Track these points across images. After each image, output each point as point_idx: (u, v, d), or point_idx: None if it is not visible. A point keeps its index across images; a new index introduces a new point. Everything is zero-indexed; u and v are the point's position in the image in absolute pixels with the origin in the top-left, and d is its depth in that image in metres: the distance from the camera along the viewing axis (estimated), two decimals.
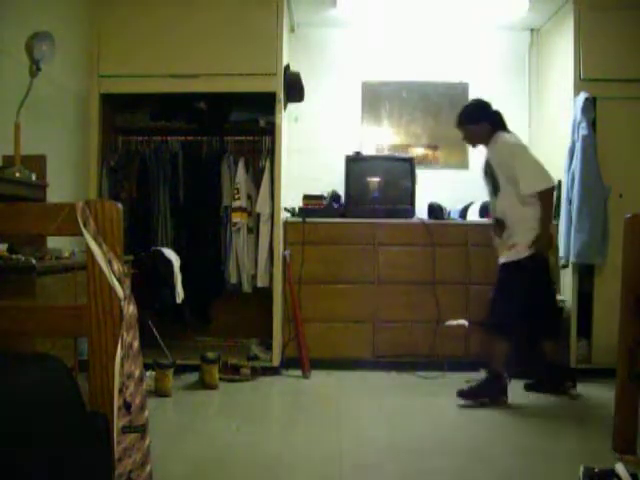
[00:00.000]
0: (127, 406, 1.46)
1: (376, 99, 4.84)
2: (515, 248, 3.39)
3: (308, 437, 2.90)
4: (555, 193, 3.60)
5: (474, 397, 3.38)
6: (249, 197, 4.28)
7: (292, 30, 4.67)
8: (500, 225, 3.51)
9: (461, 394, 3.39)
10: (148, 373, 3.50)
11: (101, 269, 1.47)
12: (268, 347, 4.13)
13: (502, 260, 3.47)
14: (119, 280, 1.48)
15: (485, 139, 3.53)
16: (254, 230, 4.28)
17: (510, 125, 4.70)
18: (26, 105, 3.06)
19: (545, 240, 3.40)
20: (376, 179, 4.40)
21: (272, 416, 3.42)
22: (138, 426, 1.48)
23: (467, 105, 3.69)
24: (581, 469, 2.25)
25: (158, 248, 4.01)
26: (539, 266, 3.42)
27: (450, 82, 4.81)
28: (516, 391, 3.61)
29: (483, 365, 3.64)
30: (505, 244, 3.47)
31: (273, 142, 4.14)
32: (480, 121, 3.51)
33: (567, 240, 3.91)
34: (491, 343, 3.47)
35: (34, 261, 2.56)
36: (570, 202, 3.90)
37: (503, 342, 3.41)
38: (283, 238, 4.14)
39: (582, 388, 3.70)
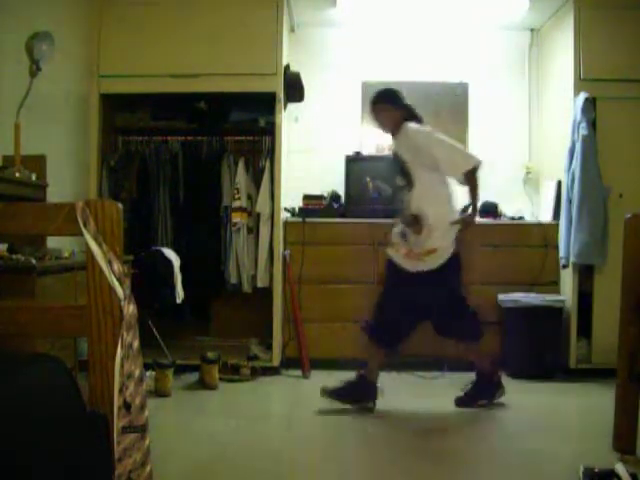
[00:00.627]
0: (127, 406, 1.46)
1: None
2: (436, 253, 3.13)
3: (308, 437, 2.90)
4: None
5: (473, 402, 3.31)
6: (249, 197, 4.27)
7: (292, 30, 4.67)
8: (418, 222, 3.16)
9: (459, 402, 3.33)
10: (148, 373, 3.50)
11: (101, 269, 1.47)
12: (268, 347, 4.13)
13: (422, 268, 3.15)
14: (119, 280, 1.47)
15: (397, 127, 3.30)
16: (254, 230, 4.27)
17: (510, 125, 4.78)
18: (26, 105, 3.06)
19: (474, 219, 3.25)
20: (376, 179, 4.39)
21: (272, 416, 3.42)
22: (138, 426, 1.47)
23: (386, 88, 3.42)
24: (581, 469, 2.26)
25: (158, 248, 4.01)
26: (457, 266, 3.24)
27: (450, 82, 4.80)
28: (517, 391, 3.62)
29: (472, 368, 3.49)
30: (420, 245, 3.15)
31: (273, 142, 4.14)
32: (400, 106, 3.32)
33: (567, 240, 3.91)
34: (468, 345, 3.35)
35: (34, 261, 2.56)
36: (570, 202, 3.90)
37: (476, 343, 3.31)
38: (283, 238, 4.14)
39: (582, 388, 3.71)
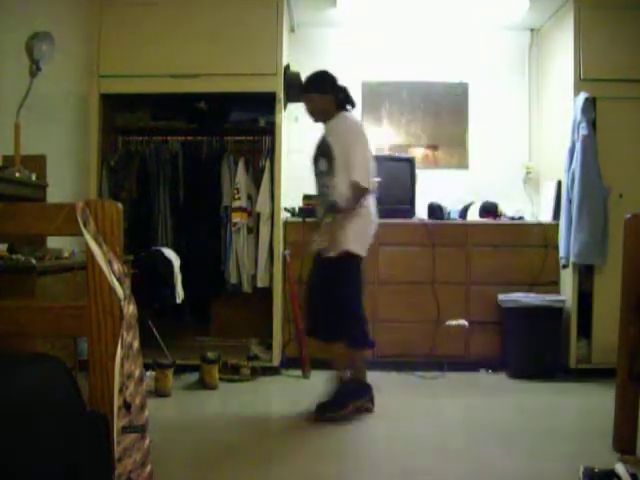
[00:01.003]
0: (127, 406, 1.46)
1: (376, 99, 4.84)
2: (340, 237, 3.09)
3: (308, 436, 2.90)
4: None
5: (340, 408, 3.13)
6: (249, 197, 4.28)
7: (292, 30, 4.67)
8: (337, 210, 3.12)
9: (317, 412, 3.12)
10: (148, 373, 3.50)
11: (101, 269, 1.47)
12: (268, 347, 4.13)
13: (332, 253, 3.09)
14: (119, 280, 1.47)
15: (328, 114, 3.25)
16: (254, 230, 4.28)
17: (510, 125, 4.78)
18: (26, 105, 3.06)
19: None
20: (376, 179, 4.38)
21: (272, 416, 3.42)
22: (138, 426, 1.48)
23: (313, 74, 3.34)
24: (581, 469, 2.26)
25: (158, 248, 4.01)
26: (357, 268, 3.19)
27: (450, 82, 4.81)
28: (517, 391, 3.62)
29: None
30: (335, 231, 3.10)
31: (273, 142, 4.14)
32: (327, 92, 3.24)
33: (567, 240, 3.91)
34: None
35: (34, 261, 2.56)
36: (570, 202, 3.90)
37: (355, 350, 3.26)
38: (283, 238, 4.14)
39: (582, 388, 3.71)
